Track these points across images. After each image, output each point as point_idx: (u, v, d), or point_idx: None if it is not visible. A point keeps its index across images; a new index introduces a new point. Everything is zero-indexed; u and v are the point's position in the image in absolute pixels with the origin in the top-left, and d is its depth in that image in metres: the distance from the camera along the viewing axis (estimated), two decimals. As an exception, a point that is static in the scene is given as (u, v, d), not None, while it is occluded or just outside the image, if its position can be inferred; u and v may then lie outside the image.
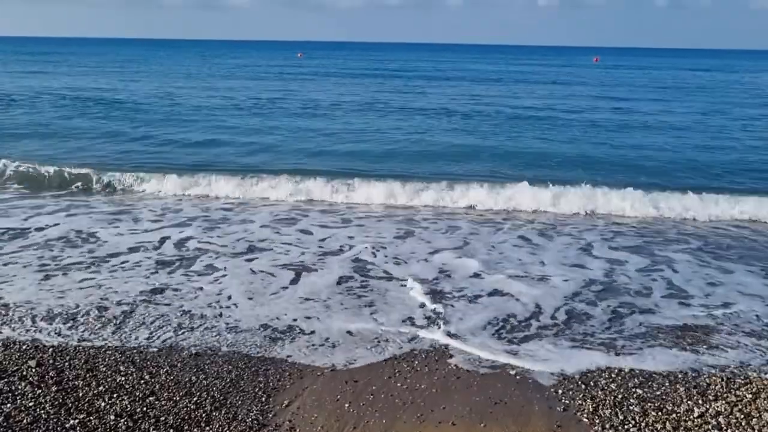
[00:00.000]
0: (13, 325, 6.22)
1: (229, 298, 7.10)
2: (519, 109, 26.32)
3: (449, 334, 6.26)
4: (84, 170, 13.01)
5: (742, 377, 5.51)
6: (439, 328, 6.39)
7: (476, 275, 8.01)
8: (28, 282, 7.38)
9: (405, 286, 7.57)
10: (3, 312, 6.52)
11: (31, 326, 6.22)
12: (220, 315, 6.64)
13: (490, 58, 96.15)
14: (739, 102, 31.30)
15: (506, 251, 9.04)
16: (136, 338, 6.04)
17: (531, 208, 11.48)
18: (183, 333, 6.18)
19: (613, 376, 5.50)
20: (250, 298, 7.10)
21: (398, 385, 5.35)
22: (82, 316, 6.47)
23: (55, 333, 6.10)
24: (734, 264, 8.67)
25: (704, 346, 6.12)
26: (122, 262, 8.17)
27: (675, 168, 15.18)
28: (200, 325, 6.38)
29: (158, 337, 6.06)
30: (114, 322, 6.38)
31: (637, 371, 5.59)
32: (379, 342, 6.11)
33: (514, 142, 18.45)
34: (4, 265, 7.94)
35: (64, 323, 6.31)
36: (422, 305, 7.00)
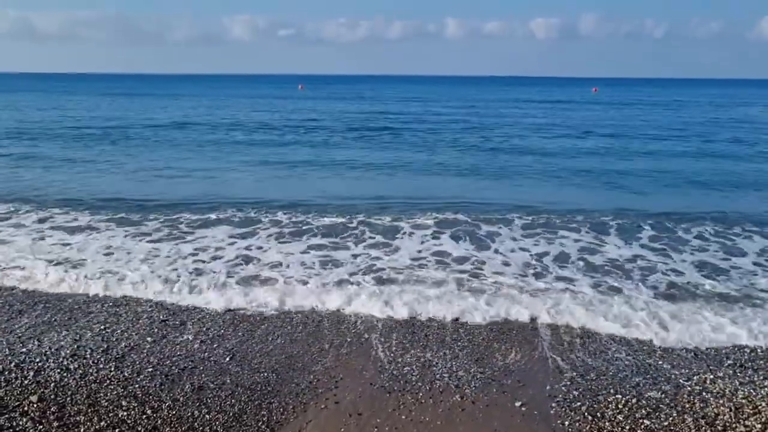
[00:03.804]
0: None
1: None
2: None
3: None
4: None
5: (750, 407, 5.44)
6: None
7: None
8: None
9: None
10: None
11: None
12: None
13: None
14: None
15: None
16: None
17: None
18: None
19: (620, 407, 5.43)
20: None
21: (402, 417, 5.29)
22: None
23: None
24: None
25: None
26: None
27: None
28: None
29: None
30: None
31: (644, 402, 5.53)
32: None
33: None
34: None
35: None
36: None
